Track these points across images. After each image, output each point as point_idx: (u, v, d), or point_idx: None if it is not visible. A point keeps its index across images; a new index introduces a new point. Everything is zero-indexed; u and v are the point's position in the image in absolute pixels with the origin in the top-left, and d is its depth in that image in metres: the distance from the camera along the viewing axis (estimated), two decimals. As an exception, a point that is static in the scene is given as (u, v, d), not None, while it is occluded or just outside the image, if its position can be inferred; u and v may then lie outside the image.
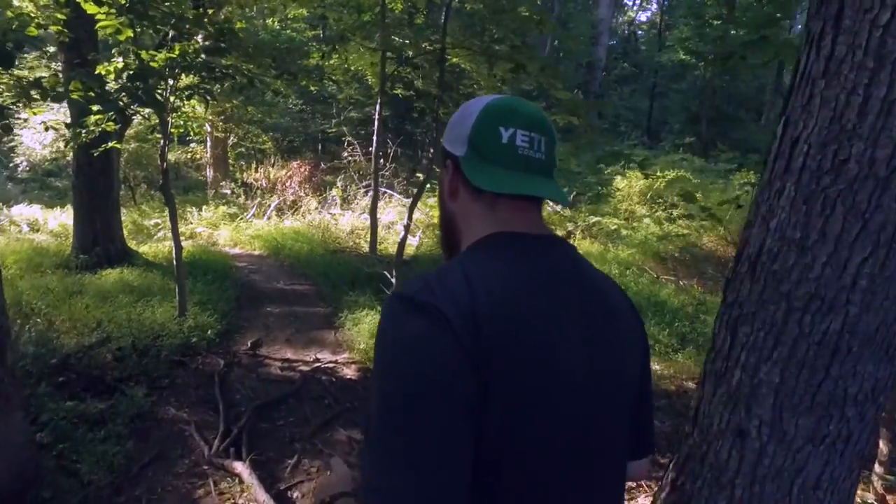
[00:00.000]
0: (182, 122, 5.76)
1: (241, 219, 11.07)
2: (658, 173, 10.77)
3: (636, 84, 23.16)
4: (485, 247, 0.80)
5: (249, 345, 5.22)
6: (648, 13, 32.71)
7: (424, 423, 0.65)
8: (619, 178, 11.16)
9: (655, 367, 4.60)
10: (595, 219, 9.97)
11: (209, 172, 14.96)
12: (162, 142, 4.98)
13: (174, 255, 5.26)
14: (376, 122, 7.46)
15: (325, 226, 10.53)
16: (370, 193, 11.31)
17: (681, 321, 5.21)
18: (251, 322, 6.02)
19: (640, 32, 30.31)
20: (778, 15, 14.93)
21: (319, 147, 20.27)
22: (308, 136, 21.40)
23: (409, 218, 4.46)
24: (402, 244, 5.26)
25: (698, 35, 15.82)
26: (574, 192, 11.12)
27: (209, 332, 5.14)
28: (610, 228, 9.82)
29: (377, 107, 7.41)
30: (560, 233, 9.77)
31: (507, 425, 0.70)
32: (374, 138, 7.49)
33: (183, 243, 9.49)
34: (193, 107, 5.95)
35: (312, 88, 8.12)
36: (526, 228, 0.82)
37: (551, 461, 0.75)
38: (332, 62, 9.01)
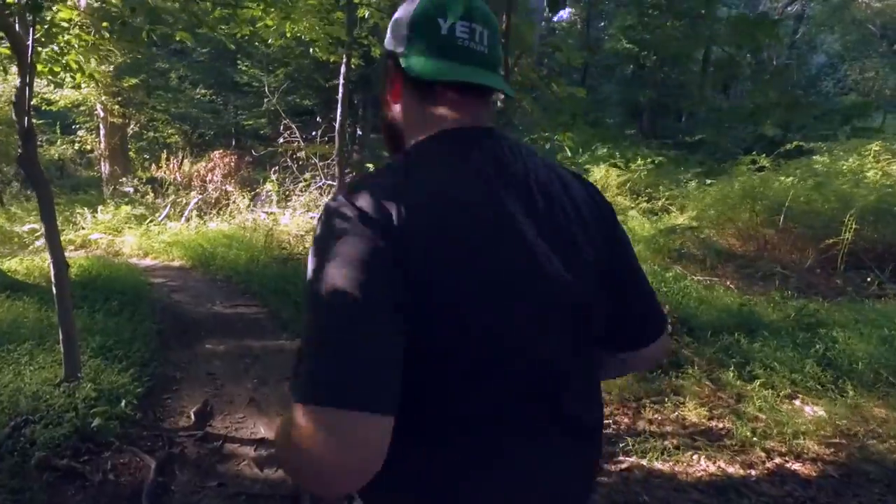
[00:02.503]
0: (54, 59, 3.57)
1: (152, 221, 8.61)
2: (639, 163, 9.62)
3: (568, 79, 22.45)
4: (425, 147, 0.76)
5: (192, 417, 3.20)
6: (567, 12, 32.20)
7: (345, 317, 0.62)
8: (594, 169, 9.91)
9: (821, 412, 3.16)
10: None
11: (104, 167, 12.09)
12: (19, 81, 2.83)
13: (53, 275, 3.12)
14: (340, 89, 5.54)
15: (263, 228, 8.36)
16: (314, 187, 9.26)
17: (804, 342, 3.84)
18: (187, 370, 3.96)
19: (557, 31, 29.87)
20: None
21: (233, 142, 17.64)
22: (221, 128, 18.63)
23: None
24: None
25: (641, 24, 15.05)
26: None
27: (122, 402, 3.06)
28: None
29: (342, 66, 5.49)
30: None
31: (428, 334, 0.66)
32: (339, 108, 5.56)
33: (74, 254, 7.00)
34: (73, 45, 3.76)
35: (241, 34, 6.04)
36: (468, 122, 0.77)
37: (482, 375, 0.70)
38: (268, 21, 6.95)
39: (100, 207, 8.78)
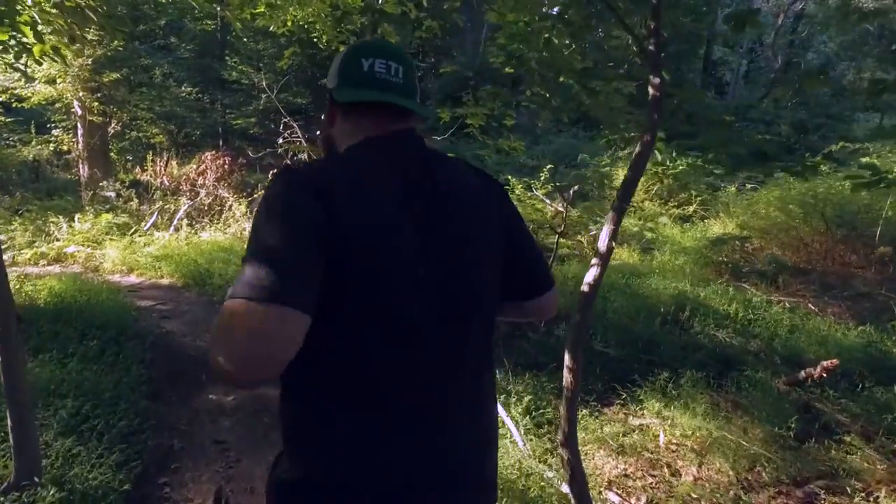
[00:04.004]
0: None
1: (137, 231, 7.54)
2: (668, 164, 8.81)
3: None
4: (349, 150, 0.95)
5: (203, 527, 2.26)
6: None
7: (276, 240, 0.79)
8: (620, 170, 9.08)
9: None
10: (564, 215, 7.74)
11: (83, 169, 10.92)
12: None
13: None
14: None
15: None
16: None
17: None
18: (188, 437, 3.01)
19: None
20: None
21: (221, 142, 16.50)
22: (208, 128, 17.46)
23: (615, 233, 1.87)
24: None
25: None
26: (574, 188, 8.85)
27: (103, 515, 2.11)
28: (632, 230, 7.66)
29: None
30: (582, 239, 7.44)
31: (345, 279, 0.81)
32: None
33: (47, 269, 5.95)
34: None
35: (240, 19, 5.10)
36: (384, 132, 0.95)
37: (388, 320, 0.85)
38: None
39: (77, 216, 7.68)
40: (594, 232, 7.35)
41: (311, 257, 0.78)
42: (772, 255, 5.96)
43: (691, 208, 8.64)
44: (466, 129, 6.26)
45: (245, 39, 18.80)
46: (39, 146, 13.92)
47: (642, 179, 9.10)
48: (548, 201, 8.38)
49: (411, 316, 0.86)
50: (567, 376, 2.09)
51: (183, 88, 16.99)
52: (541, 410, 3.03)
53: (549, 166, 8.20)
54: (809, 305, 4.85)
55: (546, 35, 3.62)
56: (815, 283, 5.34)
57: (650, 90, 2.02)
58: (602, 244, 2.01)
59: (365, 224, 0.84)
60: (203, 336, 4.66)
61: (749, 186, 7.77)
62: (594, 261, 2.02)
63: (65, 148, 11.37)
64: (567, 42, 3.40)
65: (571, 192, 8.93)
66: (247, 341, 0.72)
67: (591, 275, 2.02)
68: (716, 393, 3.29)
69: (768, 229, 6.47)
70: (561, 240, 7.18)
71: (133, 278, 6.46)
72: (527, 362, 3.69)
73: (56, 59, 3.40)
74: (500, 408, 2.90)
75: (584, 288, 2.03)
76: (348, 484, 0.84)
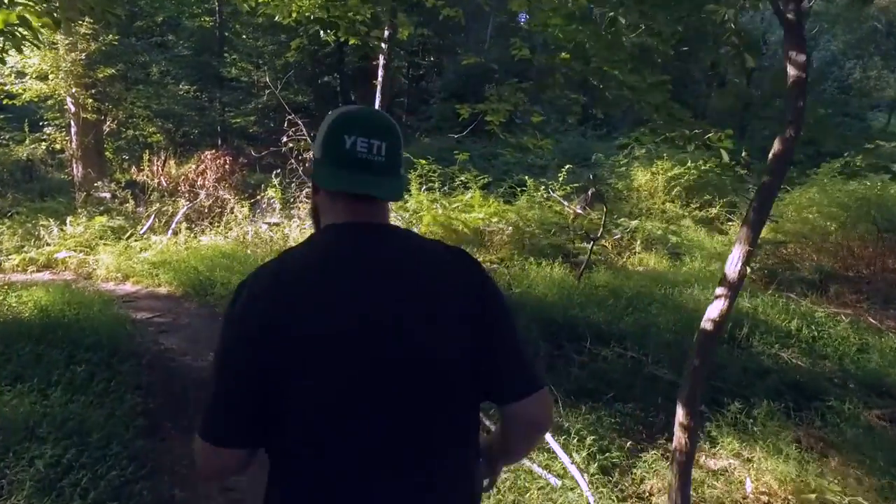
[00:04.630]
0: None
1: (133, 235, 7.04)
2: (688, 164, 8.38)
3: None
4: (316, 238, 1.00)
5: None
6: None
7: (221, 382, 0.93)
8: (639, 170, 8.65)
9: None
10: (633, 223, 7.30)
11: (76, 169, 10.39)
12: None
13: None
14: (381, 72, 4.14)
15: (266, 243, 6.89)
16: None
17: None
18: (193, 487, 2.54)
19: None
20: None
21: (219, 141, 15.98)
22: (207, 126, 16.93)
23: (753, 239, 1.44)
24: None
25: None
26: (591, 189, 8.40)
27: None
28: (655, 234, 7.21)
29: (386, 35, 4.07)
30: (606, 244, 6.98)
31: (285, 377, 0.89)
32: (378, 96, 4.16)
33: (35, 277, 5.50)
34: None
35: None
36: (357, 218, 0.96)
37: (331, 408, 0.90)
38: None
39: (69, 219, 7.17)
40: (618, 235, 6.91)
41: (247, 398, 0.90)
42: (817, 262, 5.52)
43: (714, 210, 8.20)
44: (487, 127, 5.80)
45: (244, 36, 18.31)
46: (33, 145, 13.39)
47: (663, 179, 8.66)
48: (565, 203, 7.94)
49: (354, 405, 0.91)
50: (679, 436, 1.65)
51: (181, 86, 16.48)
52: (607, 454, 2.57)
53: (567, 166, 7.75)
54: (870, 319, 4.41)
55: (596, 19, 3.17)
56: (867, 292, 4.91)
57: (790, 71, 1.57)
58: (732, 269, 1.57)
59: (304, 335, 0.89)
60: (205, 354, 4.19)
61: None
62: (720, 290, 1.58)
63: (57, 147, 10.81)
64: (626, 24, 2.96)
65: (590, 193, 8.49)
66: (201, 465, 0.97)
67: (715, 308, 1.57)
68: (797, 427, 2.84)
69: (807, 234, 6.03)
70: (582, 245, 6.74)
71: (128, 286, 5.97)
72: (577, 389, 3.23)
73: (36, 43, 2.93)
74: (562, 453, 2.44)
75: (706, 325, 1.59)
76: None
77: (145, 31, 17.96)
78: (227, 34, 17.34)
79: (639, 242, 6.72)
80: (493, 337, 0.96)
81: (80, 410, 2.81)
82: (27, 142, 13.25)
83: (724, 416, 2.93)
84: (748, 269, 1.56)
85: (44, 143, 11.99)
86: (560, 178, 7.65)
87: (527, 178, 7.80)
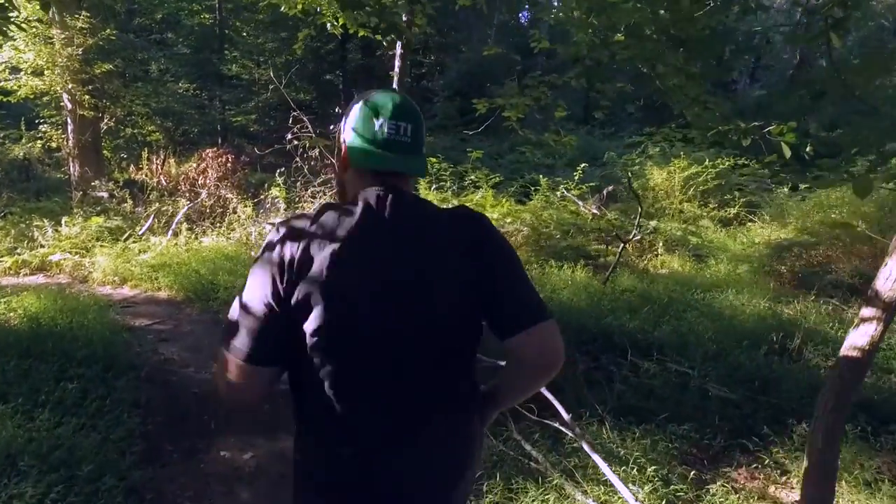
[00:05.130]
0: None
1: (131, 237, 6.69)
2: (707, 163, 8.05)
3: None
4: (342, 203, 1.06)
5: None
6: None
7: (251, 305, 0.97)
8: (655, 169, 8.32)
9: None
10: (652, 223, 6.97)
11: (73, 168, 10.04)
12: None
13: None
14: (397, 62, 3.81)
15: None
16: (331, 191, 7.44)
17: None
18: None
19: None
20: None
21: (220, 140, 15.62)
22: (207, 125, 16.57)
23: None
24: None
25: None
26: (607, 189, 8.08)
27: None
28: (675, 235, 6.89)
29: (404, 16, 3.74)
30: (627, 246, 6.65)
31: (308, 326, 0.96)
32: (396, 76, 3.83)
33: (28, 280, 5.20)
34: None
35: None
36: (381, 189, 1.03)
37: (355, 348, 0.98)
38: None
39: (64, 219, 6.81)
40: (638, 236, 6.59)
41: (274, 321, 0.97)
42: (854, 265, 5.20)
43: (733, 210, 7.88)
44: (505, 123, 5.48)
45: (245, 34, 17.95)
46: (29, 144, 13.02)
47: (679, 178, 8.35)
48: (580, 203, 7.61)
49: (362, 354, 0.98)
50: (813, 496, 1.30)
51: (180, 84, 16.13)
52: (672, 487, 2.24)
53: (582, 165, 7.42)
54: (920, 326, 4.09)
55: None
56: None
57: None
58: (887, 286, 1.24)
59: (326, 282, 0.95)
60: (209, 367, 3.86)
61: (804, 187, 7.00)
62: (869, 312, 1.25)
63: (53, 145, 10.45)
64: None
65: (605, 192, 8.17)
66: (226, 386, 1.00)
67: (864, 334, 1.25)
68: (877, 454, 2.52)
69: (838, 236, 5.72)
70: (601, 246, 6.42)
71: (126, 290, 5.63)
72: (622, 408, 2.91)
73: (22, 26, 2.59)
74: (622, 488, 2.11)
75: (851, 353, 1.26)
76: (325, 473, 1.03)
77: (144, 29, 17.61)
78: (227, 31, 16.98)
79: (661, 244, 6.40)
80: (498, 281, 1.03)
81: (69, 435, 2.48)
82: (24, 140, 12.90)
83: (791, 440, 2.61)
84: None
85: (40, 142, 11.63)
86: (575, 177, 7.33)
87: (541, 176, 7.47)
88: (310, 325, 0.95)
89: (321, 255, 0.96)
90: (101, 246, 6.31)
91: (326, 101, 14.99)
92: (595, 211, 7.45)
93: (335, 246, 0.96)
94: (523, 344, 1.02)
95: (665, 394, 3.04)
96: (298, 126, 7.29)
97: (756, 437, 2.68)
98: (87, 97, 9.43)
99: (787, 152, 2.78)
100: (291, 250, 0.96)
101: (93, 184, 9.31)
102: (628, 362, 3.31)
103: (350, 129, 1.06)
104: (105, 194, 8.84)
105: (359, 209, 1.01)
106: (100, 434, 2.58)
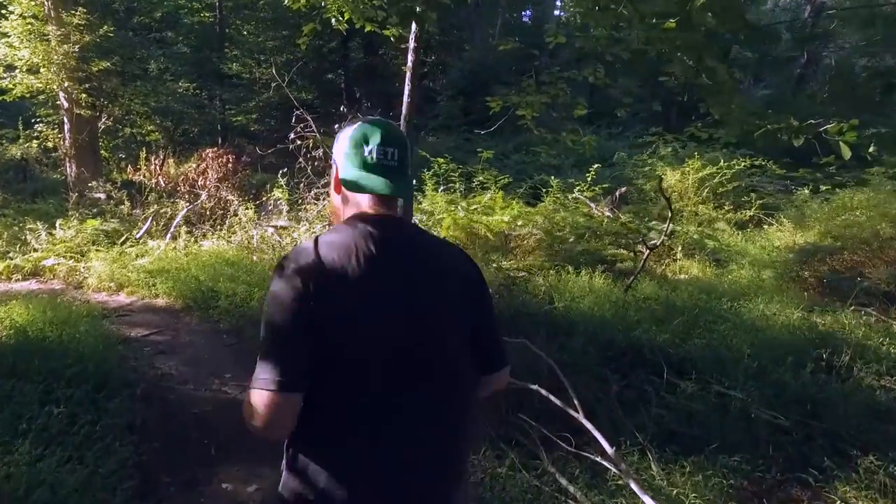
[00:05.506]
0: None
1: (128, 240, 6.41)
2: (721, 163, 7.79)
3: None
4: (343, 225, 1.12)
5: None
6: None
7: (276, 335, 1.01)
8: (668, 170, 8.05)
9: None
10: (667, 226, 6.69)
11: (70, 168, 9.77)
12: None
13: None
14: (410, 56, 3.54)
15: (274, 248, 6.28)
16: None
17: None
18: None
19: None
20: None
21: (220, 140, 15.33)
22: (207, 125, 16.28)
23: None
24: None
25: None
26: (621, 190, 7.81)
27: None
28: (691, 238, 6.63)
29: (413, 30, 3.47)
30: (643, 249, 6.39)
31: (330, 344, 1.00)
32: (407, 84, 3.57)
33: (19, 287, 4.98)
34: None
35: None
36: (374, 212, 1.12)
37: (365, 373, 1.02)
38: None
39: (58, 222, 6.54)
40: (655, 241, 6.31)
41: (300, 344, 0.99)
42: (885, 271, 4.93)
43: (749, 213, 7.61)
44: (519, 122, 5.21)
45: (245, 33, 17.66)
46: (27, 144, 12.73)
47: (693, 180, 8.08)
48: (592, 205, 7.34)
49: (379, 371, 1.03)
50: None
51: (180, 84, 15.83)
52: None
53: (595, 165, 7.15)
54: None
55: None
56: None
57: None
58: None
59: (342, 301, 1.02)
60: (210, 383, 3.59)
61: (824, 189, 6.75)
62: None
63: (49, 145, 10.17)
64: None
65: (618, 194, 7.90)
66: (264, 422, 0.99)
67: None
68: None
69: (867, 240, 5.45)
70: (619, 251, 6.15)
71: (122, 297, 5.35)
72: (664, 434, 2.64)
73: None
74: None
75: None
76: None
77: (144, 27, 17.30)
78: (227, 30, 16.68)
79: (679, 248, 6.13)
80: (484, 321, 1.16)
81: (52, 470, 2.21)
82: (21, 140, 12.60)
83: (858, 475, 2.34)
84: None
85: (35, 141, 11.34)
86: (588, 179, 7.05)
87: (552, 178, 7.20)
88: (333, 350, 1.00)
89: (342, 276, 1.02)
90: (96, 250, 6.03)
91: (328, 101, 14.70)
92: (608, 213, 7.18)
93: (353, 266, 1.03)
94: (498, 380, 1.20)
95: (707, 418, 2.77)
96: (302, 125, 7.01)
97: (815, 470, 2.42)
98: (83, 96, 9.15)
99: (847, 153, 2.51)
100: (311, 273, 1.01)
101: (90, 185, 9.03)
102: (664, 381, 3.04)
103: (341, 156, 1.15)
104: (102, 196, 8.55)
105: (368, 231, 1.07)
106: (87, 468, 2.30)
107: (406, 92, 3.81)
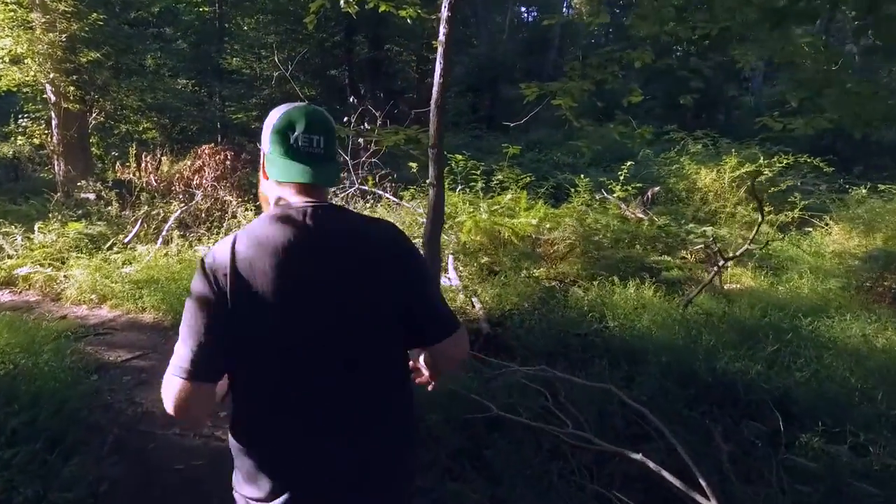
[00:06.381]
0: None
1: (114, 245, 5.70)
2: (761, 161, 7.10)
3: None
4: (267, 215, 1.11)
5: None
6: None
7: (191, 329, 1.02)
8: (702, 168, 7.36)
9: None
10: (708, 230, 6.01)
11: (58, 167, 9.08)
12: None
13: None
14: (442, 34, 2.86)
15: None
16: (342, 193, 6.47)
17: None
18: None
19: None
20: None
21: (220, 138, 14.62)
22: (206, 122, 15.56)
23: None
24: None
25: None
26: (653, 189, 7.11)
27: None
28: (736, 243, 5.94)
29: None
30: (688, 255, 5.71)
31: (251, 336, 1.03)
32: (438, 67, 2.90)
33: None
34: None
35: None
36: (299, 200, 1.11)
37: (290, 362, 1.05)
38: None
39: (37, 225, 5.83)
40: (700, 246, 5.63)
41: (213, 339, 1.02)
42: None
43: (793, 214, 6.92)
44: (557, 112, 4.52)
45: (245, 28, 16.93)
46: (20, 141, 12.00)
47: (729, 178, 7.41)
48: (623, 206, 6.66)
49: (300, 356, 1.06)
50: None
51: (178, 80, 15.11)
52: None
53: (629, 163, 6.46)
54: None
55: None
56: None
57: None
58: None
59: (260, 295, 1.02)
60: (202, 424, 2.89)
61: (882, 188, 6.08)
62: None
63: (36, 141, 9.46)
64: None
65: (650, 193, 7.22)
66: (173, 405, 1.03)
67: None
68: None
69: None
70: (663, 258, 5.45)
71: (104, 311, 4.65)
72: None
73: None
74: None
75: None
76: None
77: (141, 23, 16.58)
78: (227, 25, 15.96)
79: (731, 255, 5.42)
80: (417, 297, 1.15)
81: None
82: (14, 137, 11.87)
83: None
84: None
85: (21, 138, 10.62)
86: (620, 177, 6.37)
87: (581, 176, 6.52)
88: (255, 342, 1.03)
89: (258, 270, 1.03)
90: (78, 257, 5.32)
91: (332, 97, 14.02)
92: (641, 215, 6.50)
93: (270, 259, 1.03)
94: (452, 345, 1.17)
95: (850, 486, 2.08)
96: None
97: None
98: (71, 88, 8.43)
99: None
100: (225, 271, 1.02)
101: (79, 184, 8.32)
102: (781, 434, 2.35)
103: (268, 143, 1.13)
104: (91, 196, 7.84)
105: (287, 222, 1.08)
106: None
107: (437, 70, 3.11)
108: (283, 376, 1.04)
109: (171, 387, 1.01)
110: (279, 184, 1.11)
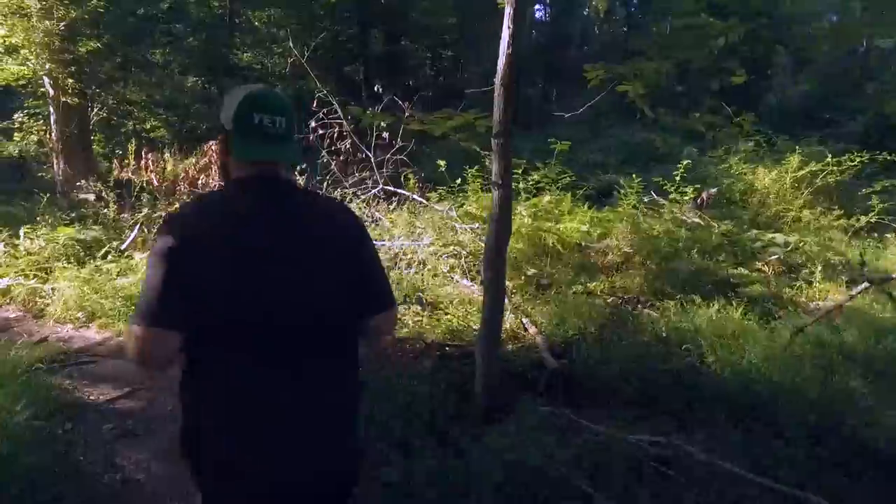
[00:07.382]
0: None
1: (109, 252, 5.01)
2: (828, 159, 6.32)
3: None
4: (226, 186, 1.20)
5: None
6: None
7: (151, 285, 1.02)
8: (760, 168, 6.59)
9: None
10: (779, 237, 5.23)
11: (57, 165, 8.46)
12: None
13: None
14: (508, 10, 2.13)
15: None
16: (364, 195, 5.75)
17: None
18: None
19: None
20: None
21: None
22: (216, 120, 14.91)
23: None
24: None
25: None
26: (709, 192, 6.33)
27: None
28: (811, 251, 5.16)
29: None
30: (764, 268, 4.92)
31: (203, 303, 1.03)
32: (504, 43, 2.16)
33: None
34: None
35: None
36: (257, 175, 1.14)
37: (242, 334, 1.06)
38: None
39: (22, 230, 5.16)
40: (777, 256, 4.84)
41: (173, 293, 1.02)
42: None
43: (867, 218, 6.12)
44: (627, 100, 3.79)
45: (257, 23, 16.31)
46: (26, 140, 11.39)
47: (791, 179, 6.62)
48: (675, 210, 5.89)
49: (253, 321, 1.07)
50: None
51: (188, 78, 14.52)
52: None
53: (685, 161, 5.70)
54: None
55: None
56: None
57: None
58: None
59: (214, 262, 1.04)
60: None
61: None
62: None
63: (34, 138, 8.84)
64: None
65: (705, 196, 6.45)
66: (136, 353, 1.04)
67: None
68: None
69: None
70: (741, 270, 4.68)
71: (92, 332, 3.96)
72: None
73: None
74: None
75: None
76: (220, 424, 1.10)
77: (150, 19, 16.01)
78: (237, 20, 15.34)
79: (818, 268, 4.64)
80: (364, 272, 1.21)
81: None
82: (16, 136, 11.26)
83: None
84: None
85: (27, 135, 10.00)
86: (676, 177, 5.61)
87: (633, 175, 5.77)
88: (207, 311, 1.03)
89: (217, 236, 1.06)
90: (66, 268, 4.65)
91: (346, 94, 13.32)
92: (696, 220, 5.73)
93: (231, 228, 1.08)
94: (384, 321, 1.26)
95: None
96: (324, 111, 5.62)
97: None
98: (70, 81, 7.79)
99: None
100: (186, 233, 1.05)
101: (79, 184, 7.68)
102: None
103: (230, 122, 1.14)
104: (91, 196, 7.18)
105: (248, 194, 1.13)
106: None
107: (505, 38, 2.39)
108: (234, 343, 1.06)
109: (133, 336, 1.04)
110: (243, 161, 1.16)
